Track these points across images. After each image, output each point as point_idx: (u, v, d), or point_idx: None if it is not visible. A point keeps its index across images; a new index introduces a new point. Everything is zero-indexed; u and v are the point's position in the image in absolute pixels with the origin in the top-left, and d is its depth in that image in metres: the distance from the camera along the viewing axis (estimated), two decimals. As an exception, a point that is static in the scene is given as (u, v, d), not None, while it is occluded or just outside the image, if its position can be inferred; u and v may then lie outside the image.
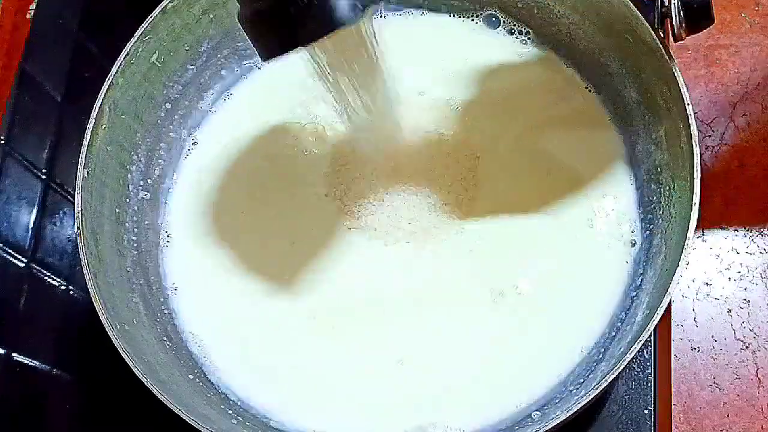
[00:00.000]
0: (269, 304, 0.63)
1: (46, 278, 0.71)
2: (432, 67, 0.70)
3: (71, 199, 0.72)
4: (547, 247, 0.63)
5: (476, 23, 0.71)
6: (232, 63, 0.70)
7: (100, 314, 0.54)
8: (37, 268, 0.71)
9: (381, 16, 0.71)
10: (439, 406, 0.59)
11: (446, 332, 0.61)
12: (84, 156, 0.58)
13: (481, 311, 0.61)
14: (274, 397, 0.61)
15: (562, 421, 0.51)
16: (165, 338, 0.61)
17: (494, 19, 0.71)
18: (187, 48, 0.66)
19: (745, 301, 0.67)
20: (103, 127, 0.60)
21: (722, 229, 0.70)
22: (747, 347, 0.66)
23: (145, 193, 0.66)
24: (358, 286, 0.63)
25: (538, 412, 0.58)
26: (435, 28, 0.72)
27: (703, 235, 0.70)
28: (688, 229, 0.54)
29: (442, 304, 0.62)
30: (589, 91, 0.68)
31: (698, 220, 0.54)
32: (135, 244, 0.63)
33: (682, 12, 0.56)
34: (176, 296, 0.64)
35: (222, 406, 0.59)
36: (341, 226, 0.65)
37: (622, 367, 0.51)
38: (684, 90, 0.57)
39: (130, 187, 0.64)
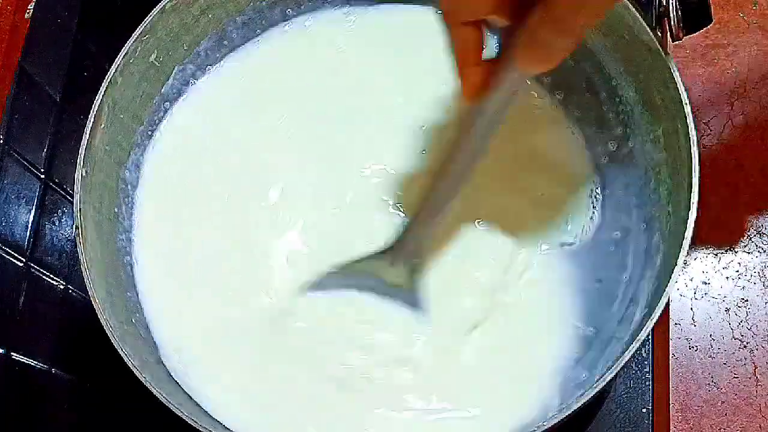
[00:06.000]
0: (236, 309, 0.61)
1: (44, 278, 0.71)
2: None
3: (70, 198, 0.72)
4: (545, 246, 0.63)
5: None
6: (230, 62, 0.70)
7: (98, 313, 0.54)
8: (36, 267, 0.71)
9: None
10: (439, 407, 0.59)
11: (445, 334, 0.61)
12: (83, 155, 0.58)
13: (480, 310, 0.61)
14: (249, 414, 0.58)
15: (560, 421, 0.51)
16: (162, 338, 0.61)
17: None
18: (186, 48, 0.66)
19: (743, 300, 0.68)
20: (102, 126, 0.60)
21: (720, 228, 0.70)
22: (745, 346, 0.66)
23: (144, 192, 0.66)
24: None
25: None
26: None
27: (701, 234, 0.70)
28: (686, 228, 0.54)
29: (440, 305, 0.62)
30: (588, 89, 0.68)
31: (696, 219, 0.54)
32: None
33: (679, 11, 0.56)
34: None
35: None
36: None
37: (621, 366, 0.51)
38: (682, 89, 0.57)
39: (129, 187, 0.64)
